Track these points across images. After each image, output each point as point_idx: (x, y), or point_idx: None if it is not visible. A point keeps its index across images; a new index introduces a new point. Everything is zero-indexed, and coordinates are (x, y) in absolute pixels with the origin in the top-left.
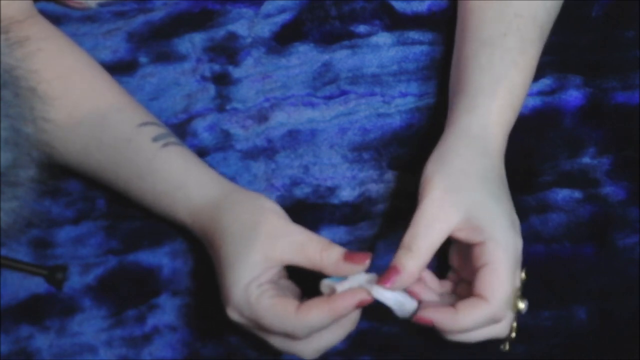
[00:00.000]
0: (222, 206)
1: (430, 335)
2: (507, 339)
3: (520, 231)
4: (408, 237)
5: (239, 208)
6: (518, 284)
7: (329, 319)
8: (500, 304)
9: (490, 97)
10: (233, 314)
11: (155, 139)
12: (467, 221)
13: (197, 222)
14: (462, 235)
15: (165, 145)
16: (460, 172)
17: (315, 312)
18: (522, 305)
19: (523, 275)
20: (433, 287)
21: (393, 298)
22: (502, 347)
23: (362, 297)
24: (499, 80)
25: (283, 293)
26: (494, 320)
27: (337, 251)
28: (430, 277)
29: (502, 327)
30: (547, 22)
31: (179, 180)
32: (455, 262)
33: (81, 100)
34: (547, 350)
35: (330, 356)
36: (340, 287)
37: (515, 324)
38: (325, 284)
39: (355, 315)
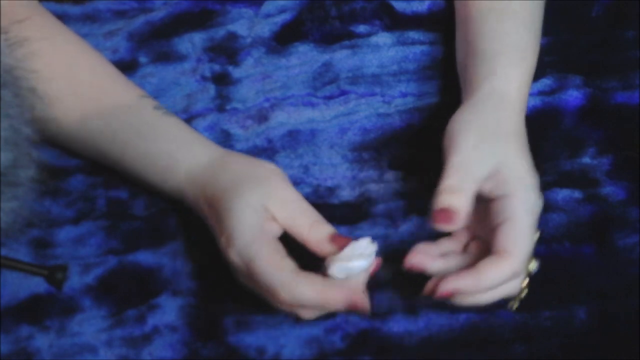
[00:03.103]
0: (227, 161)
1: (430, 334)
2: (517, 297)
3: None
4: (452, 180)
5: (242, 165)
6: (534, 243)
7: (316, 302)
8: (523, 259)
9: (508, 59)
10: (234, 257)
11: (157, 108)
12: (497, 172)
13: (198, 179)
14: (487, 186)
15: (166, 113)
16: (492, 126)
17: (308, 288)
18: (534, 265)
19: (537, 235)
20: (432, 252)
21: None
22: (510, 305)
23: (356, 301)
24: (512, 42)
25: (284, 254)
26: (516, 276)
27: (325, 230)
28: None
29: (516, 285)
30: None
31: (185, 139)
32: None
33: (82, 71)
34: (547, 350)
35: (330, 356)
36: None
37: (525, 283)
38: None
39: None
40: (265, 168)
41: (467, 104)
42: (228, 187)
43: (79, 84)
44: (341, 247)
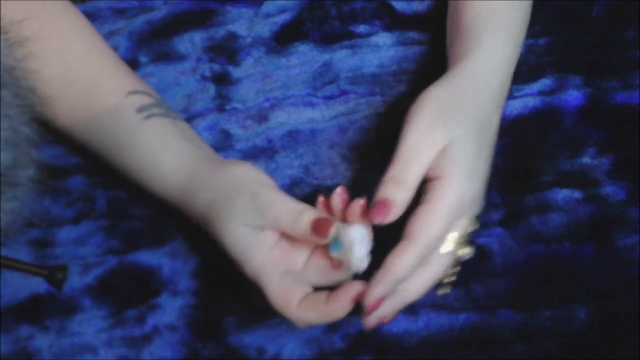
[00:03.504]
0: (197, 183)
1: (430, 334)
2: (445, 283)
3: (484, 181)
4: (396, 169)
5: (214, 183)
6: (465, 230)
7: (325, 322)
8: (426, 243)
9: (491, 35)
10: (251, 280)
11: (140, 110)
12: (441, 154)
13: (178, 200)
14: (431, 168)
15: (149, 117)
16: (452, 104)
17: (313, 313)
18: (465, 251)
19: (473, 224)
20: None
21: (361, 235)
22: (441, 291)
23: (356, 291)
24: (497, 18)
25: (291, 278)
26: (422, 260)
27: (305, 222)
28: None
29: (436, 272)
30: None
31: (156, 159)
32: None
33: (77, 61)
34: (547, 350)
35: (330, 356)
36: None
37: (457, 269)
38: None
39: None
40: (234, 178)
41: (441, 78)
42: (209, 214)
43: (71, 84)
44: (323, 235)
